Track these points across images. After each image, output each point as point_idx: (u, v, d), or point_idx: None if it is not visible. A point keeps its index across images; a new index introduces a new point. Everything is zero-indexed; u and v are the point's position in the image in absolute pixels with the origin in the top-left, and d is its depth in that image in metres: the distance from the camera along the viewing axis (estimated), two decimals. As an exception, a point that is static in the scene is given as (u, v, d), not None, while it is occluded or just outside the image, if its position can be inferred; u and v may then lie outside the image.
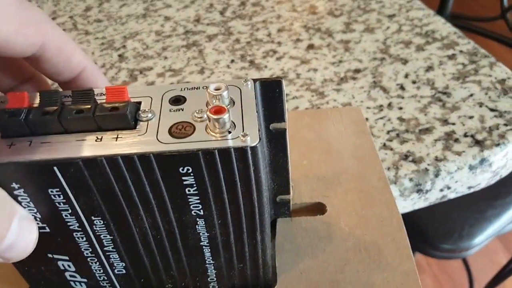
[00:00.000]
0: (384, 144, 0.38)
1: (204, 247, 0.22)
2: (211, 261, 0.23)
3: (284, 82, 0.21)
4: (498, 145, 0.37)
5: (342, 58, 0.49)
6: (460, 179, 0.37)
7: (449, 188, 0.37)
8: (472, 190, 0.39)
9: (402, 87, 0.44)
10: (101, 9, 0.62)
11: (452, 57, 0.48)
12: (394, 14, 0.55)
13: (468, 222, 0.68)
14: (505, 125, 0.39)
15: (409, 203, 0.37)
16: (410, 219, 0.69)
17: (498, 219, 0.68)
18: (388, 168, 0.36)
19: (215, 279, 0.24)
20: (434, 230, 0.69)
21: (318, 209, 0.28)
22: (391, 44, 0.50)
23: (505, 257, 1.22)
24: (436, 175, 0.36)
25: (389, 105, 0.42)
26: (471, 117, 0.40)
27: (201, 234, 0.21)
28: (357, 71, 0.47)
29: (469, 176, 0.37)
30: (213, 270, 0.23)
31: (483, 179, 0.39)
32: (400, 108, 0.42)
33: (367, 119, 0.41)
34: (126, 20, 0.59)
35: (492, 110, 0.41)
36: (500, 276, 0.88)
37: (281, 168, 0.24)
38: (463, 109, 0.41)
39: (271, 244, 0.26)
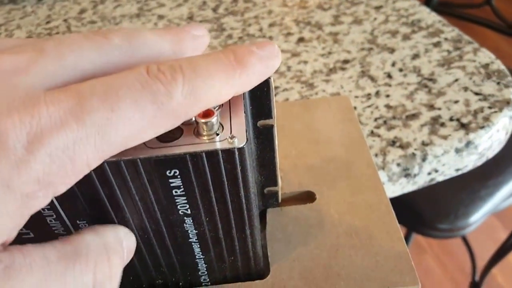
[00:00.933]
0: (372, 131, 0.39)
1: (193, 243, 0.22)
2: (201, 256, 0.23)
3: (273, 79, 0.20)
4: (483, 127, 0.39)
5: (331, 50, 0.50)
6: (447, 162, 0.39)
7: (436, 171, 0.39)
8: (459, 172, 0.41)
9: (389, 75, 0.45)
10: (96, 10, 0.63)
11: (437, 44, 0.49)
12: (381, 6, 0.56)
13: (463, 202, 0.69)
14: (489, 108, 0.40)
15: (398, 188, 0.38)
16: (405, 203, 0.71)
17: (491, 197, 0.70)
18: (376, 155, 0.37)
19: (206, 272, 0.24)
20: (431, 212, 0.70)
21: (307, 197, 0.28)
22: (378, 35, 0.51)
23: (504, 233, 1.23)
24: (423, 159, 0.37)
25: (377, 93, 0.43)
26: (456, 102, 0.41)
27: (189, 231, 0.21)
28: (346, 61, 0.48)
29: (456, 159, 0.39)
30: (204, 264, 0.23)
31: (470, 161, 0.40)
32: (387, 96, 0.43)
33: (355, 107, 0.42)
34: (120, 20, 0.60)
35: (476, 94, 0.42)
36: (501, 252, 0.90)
37: (269, 162, 0.24)
38: (449, 94, 0.42)
39: (262, 234, 0.25)
